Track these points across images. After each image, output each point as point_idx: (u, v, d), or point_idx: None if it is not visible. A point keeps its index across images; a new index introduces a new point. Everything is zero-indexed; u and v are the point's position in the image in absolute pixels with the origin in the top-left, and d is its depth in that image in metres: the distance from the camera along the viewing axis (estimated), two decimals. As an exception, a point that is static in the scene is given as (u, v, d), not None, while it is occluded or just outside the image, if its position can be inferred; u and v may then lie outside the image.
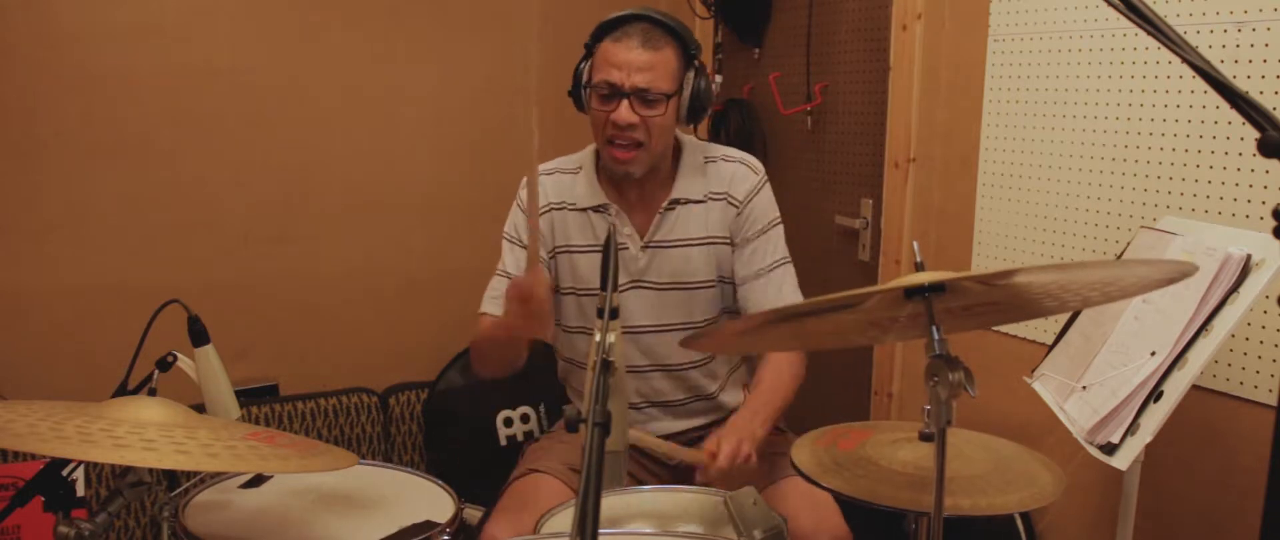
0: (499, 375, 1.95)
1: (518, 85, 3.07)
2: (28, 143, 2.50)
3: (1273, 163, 0.90)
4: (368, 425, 2.89)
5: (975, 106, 2.27)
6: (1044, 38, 2.10)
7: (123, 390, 1.66)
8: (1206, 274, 1.49)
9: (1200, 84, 1.76)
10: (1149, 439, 1.47)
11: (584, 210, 1.95)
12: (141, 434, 1.25)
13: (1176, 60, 1.01)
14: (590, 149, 2.02)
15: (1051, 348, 1.82)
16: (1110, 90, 1.96)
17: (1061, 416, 1.66)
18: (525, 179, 1.95)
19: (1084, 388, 1.64)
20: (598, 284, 1.59)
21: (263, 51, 2.73)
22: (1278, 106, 1.68)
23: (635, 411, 2.01)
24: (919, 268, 1.32)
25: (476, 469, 2.78)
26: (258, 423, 2.70)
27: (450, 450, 2.93)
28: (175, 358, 1.70)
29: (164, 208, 2.65)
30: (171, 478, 2.29)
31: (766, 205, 1.97)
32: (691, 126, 1.96)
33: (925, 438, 1.59)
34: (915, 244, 1.53)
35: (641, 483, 2.02)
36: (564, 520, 1.68)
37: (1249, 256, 1.46)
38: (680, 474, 2.06)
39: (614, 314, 1.20)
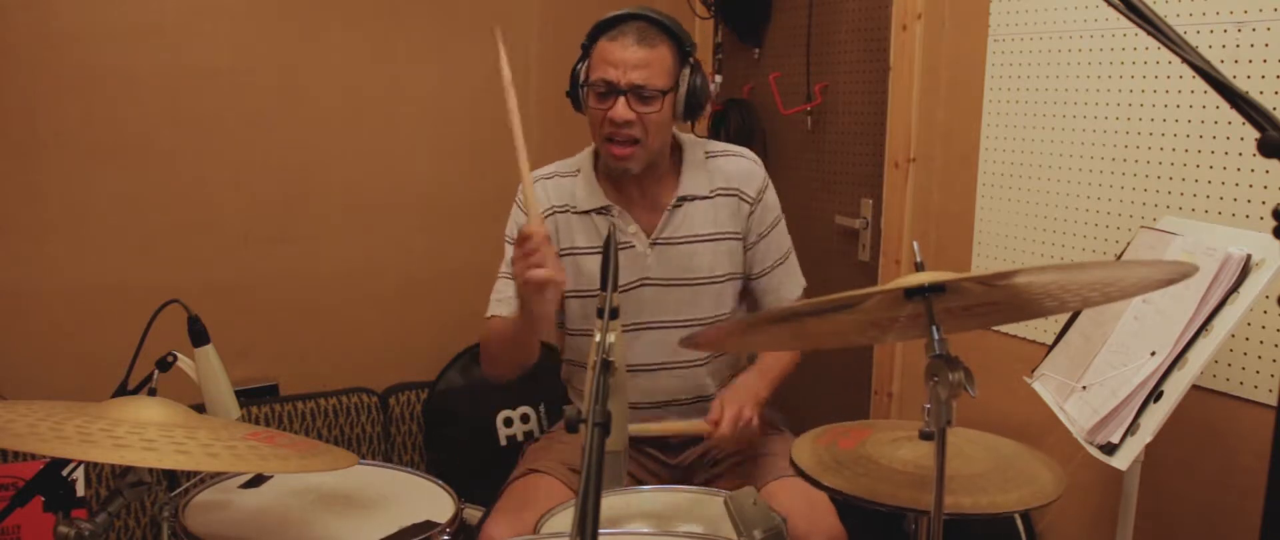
0: (510, 376, 1.96)
1: (518, 85, 3.08)
2: (28, 143, 2.50)
3: (1273, 163, 0.90)
4: (368, 425, 2.89)
5: (975, 106, 2.28)
6: (1044, 38, 2.10)
7: (123, 390, 1.66)
8: (1206, 274, 1.49)
9: (1200, 84, 1.76)
10: (1149, 439, 1.47)
11: (587, 212, 1.96)
12: (141, 434, 1.25)
13: (1176, 60, 1.01)
14: (587, 151, 2.03)
15: (1051, 348, 1.82)
16: (1110, 90, 1.96)
17: (1061, 416, 1.66)
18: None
19: (1084, 388, 1.64)
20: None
21: (263, 51, 2.73)
22: (1278, 106, 1.68)
23: (642, 411, 2.01)
24: (919, 268, 1.32)
25: (476, 469, 2.78)
26: (258, 423, 2.70)
27: (450, 450, 2.93)
28: (175, 358, 1.70)
29: (164, 208, 2.65)
30: (171, 478, 2.29)
31: (774, 199, 2.04)
32: (690, 124, 1.98)
33: (925, 436, 1.59)
34: (915, 244, 1.53)
35: (641, 483, 2.02)
36: (564, 520, 1.68)
37: (1249, 256, 1.46)
38: (680, 474, 2.07)
39: (614, 314, 1.20)
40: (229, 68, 2.68)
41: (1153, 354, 1.52)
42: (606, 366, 1.13)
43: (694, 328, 1.97)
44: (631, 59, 1.81)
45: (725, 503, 1.63)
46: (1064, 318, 1.81)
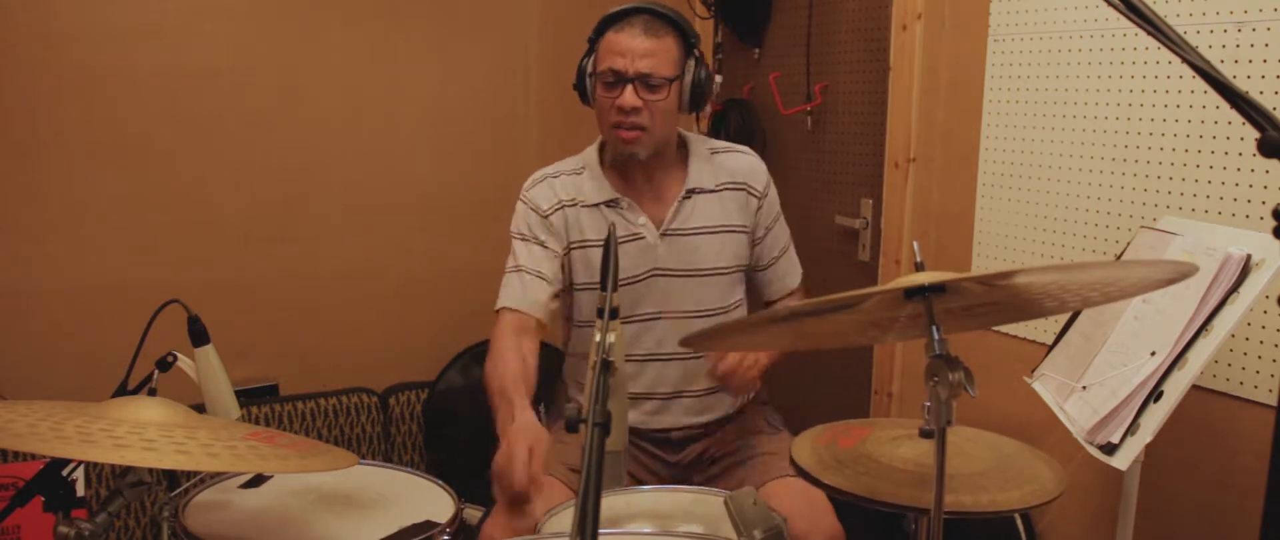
0: None
1: (518, 85, 3.08)
2: (28, 143, 2.50)
3: (1273, 163, 0.90)
4: (368, 425, 2.89)
5: (975, 106, 2.27)
6: (1044, 38, 2.10)
7: (123, 390, 1.66)
8: (1206, 274, 1.49)
9: (1200, 84, 1.76)
10: (1149, 439, 1.47)
11: (596, 205, 1.98)
12: (141, 434, 1.25)
13: (1176, 60, 1.01)
14: (591, 148, 2.04)
15: (1051, 348, 1.82)
16: (1110, 90, 1.96)
17: (1061, 416, 1.66)
18: (535, 189, 2.01)
19: (1084, 388, 1.64)
20: (622, 271, 1.75)
21: (263, 51, 2.73)
22: (1278, 106, 1.68)
23: (652, 402, 2.03)
24: (919, 268, 1.32)
25: (476, 469, 2.77)
26: (258, 423, 2.70)
27: (450, 450, 2.93)
28: (175, 358, 1.70)
29: (164, 208, 2.65)
30: (171, 478, 2.29)
31: (775, 193, 2.10)
32: (694, 119, 2.00)
33: (926, 435, 1.58)
34: (915, 244, 1.53)
35: (641, 482, 2.03)
36: (564, 520, 1.68)
37: (1249, 256, 1.46)
38: (680, 473, 2.07)
39: (614, 314, 1.20)
40: (229, 68, 2.68)
41: (1153, 354, 1.52)
42: (606, 366, 1.13)
43: (703, 318, 2.01)
44: (639, 48, 1.85)
45: (725, 503, 1.63)
46: (1064, 318, 1.81)
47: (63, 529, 1.32)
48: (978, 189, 2.29)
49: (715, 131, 3.13)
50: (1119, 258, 1.84)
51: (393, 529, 1.60)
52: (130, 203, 2.61)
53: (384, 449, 2.93)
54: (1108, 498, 1.94)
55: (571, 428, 1.16)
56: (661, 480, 2.05)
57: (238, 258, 2.76)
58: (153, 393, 1.42)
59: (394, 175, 2.94)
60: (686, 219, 1.99)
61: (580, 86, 1.96)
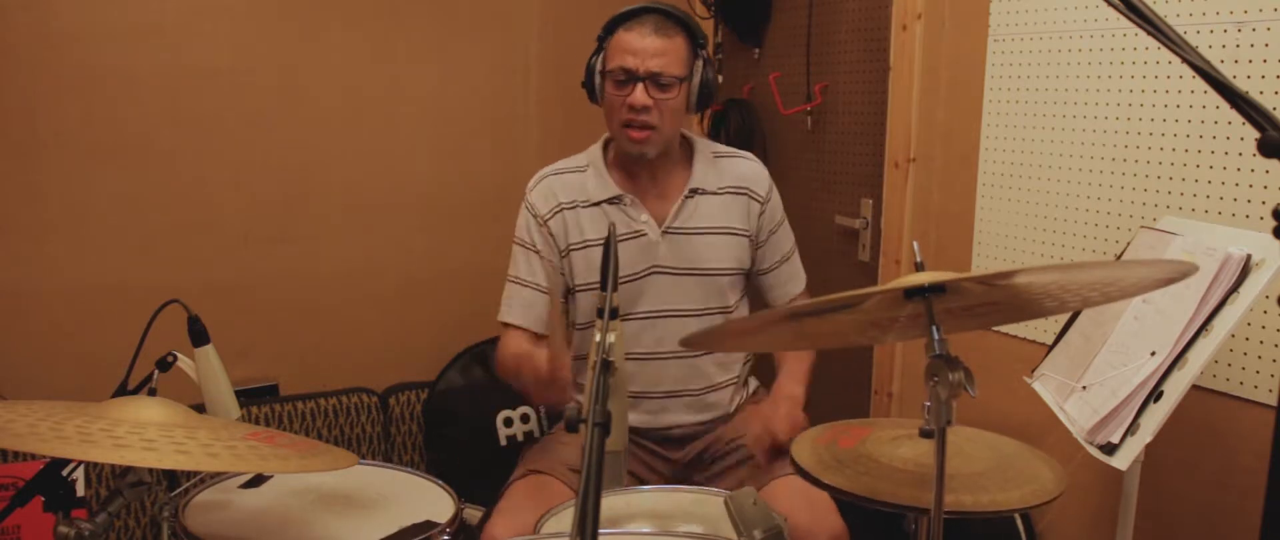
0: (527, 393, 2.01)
1: (518, 85, 3.08)
2: (28, 143, 2.50)
3: (1273, 163, 0.90)
4: (368, 425, 2.89)
5: (975, 106, 2.28)
6: (1044, 38, 2.10)
7: (123, 390, 1.66)
8: (1206, 274, 1.49)
9: (1200, 84, 1.76)
10: (1149, 439, 1.47)
11: (598, 203, 1.99)
12: (141, 434, 1.25)
13: (1176, 60, 1.01)
14: (596, 145, 2.05)
15: (1051, 348, 1.82)
16: (1110, 90, 1.96)
17: (1061, 416, 1.66)
18: (538, 188, 2.03)
19: (1084, 388, 1.64)
20: (623, 268, 1.78)
21: (263, 51, 2.72)
22: (1278, 106, 1.68)
23: (649, 401, 2.03)
24: (919, 268, 1.32)
25: (476, 469, 2.78)
26: (258, 423, 2.70)
27: (450, 450, 2.93)
28: (175, 358, 1.70)
29: (164, 208, 2.65)
30: (171, 478, 2.29)
31: (779, 199, 2.11)
32: (697, 117, 2.01)
33: (926, 435, 1.58)
34: (915, 244, 1.53)
35: (642, 481, 2.03)
36: (564, 520, 1.68)
37: (1249, 256, 1.46)
38: (681, 471, 2.08)
39: (614, 314, 1.20)
40: (229, 68, 2.68)
41: (1153, 354, 1.52)
42: (606, 366, 1.13)
43: (701, 318, 2.01)
44: (650, 47, 1.87)
45: (725, 503, 1.63)
46: (1064, 318, 1.81)
47: (63, 529, 1.32)
48: (978, 189, 2.29)
49: (715, 131, 3.13)
50: (1119, 258, 1.84)
51: (393, 529, 1.60)
52: (130, 203, 2.61)
53: (384, 449, 2.93)
54: (1108, 498, 1.94)
55: (571, 428, 1.17)
56: (662, 479, 2.06)
57: (238, 258, 2.76)
58: (153, 393, 1.42)
59: (394, 175, 2.94)
60: (689, 218, 2.00)
61: (588, 84, 1.97)
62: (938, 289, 1.22)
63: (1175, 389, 1.46)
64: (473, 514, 2.17)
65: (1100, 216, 2.01)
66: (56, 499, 1.36)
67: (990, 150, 2.26)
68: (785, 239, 2.13)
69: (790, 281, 2.14)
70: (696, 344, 1.54)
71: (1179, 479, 1.86)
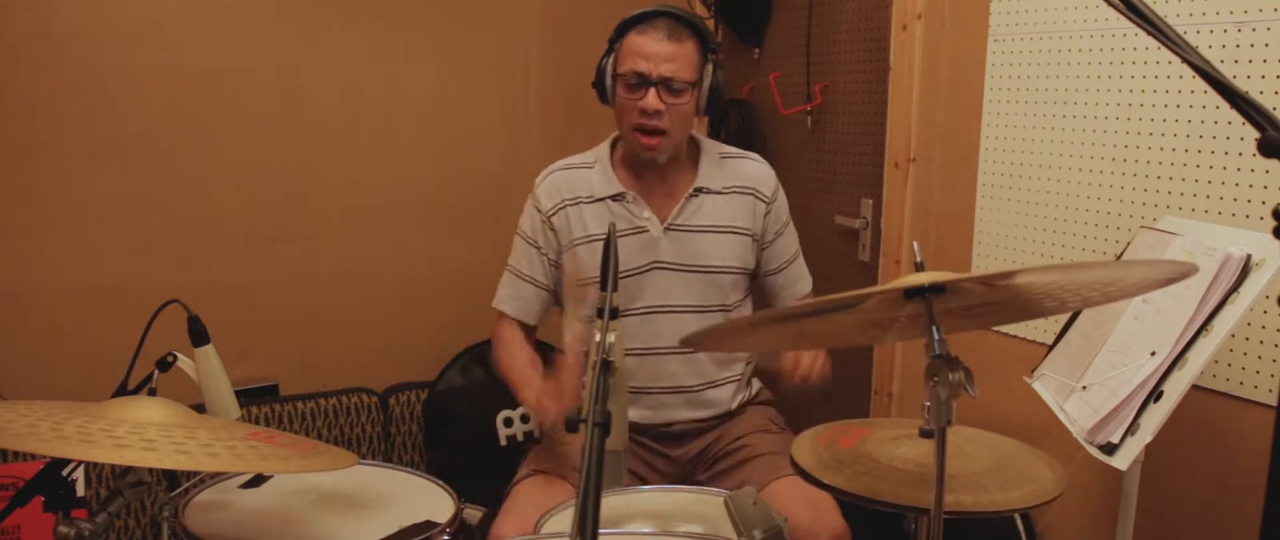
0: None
1: (518, 85, 3.08)
2: (28, 143, 2.50)
3: (1273, 163, 0.90)
4: (368, 425, 2.89)
5: (975, 106, 2.27)
6: (1044, 38, 2.10)
7: (123, 390, 1.66)
8: (1206, 274, 1.49)
9: (1200, 84, 1.76)
10: (1149, 439, 1.47)
11: (602, 199, 2.01)
12: (141, 434, 1.25)
13: (1176, 60, 1.01)
14: (605, 143, 2.08)
15: (1051, 348, 1.82)
16: (1110, 90, 1.96)
17: (1061, 416, 1.66)
18: (545, 182, 2.06)
19: (1084, 388, 1.64)
20: (624, 263, 1.83)
21: (263, 51, 2.72)
22: (1278, 106, 1.68)
23: (649, 396, 2.04)
24: (919, 268, 1.32)
25: (476, 469, 2.78)
26: (258, 423, 2.70)
27: (450, 450, 2.93)
28: (175, 358, 1.70)
29: (164, 208, 2.65)
30: (171, 478, 2.29)
31: (785, 202, 2.12)
32: (706, 121, 2.03)
33: (926, 435, 1.59)
34: (915, 244, 1.53)
35: (642, 479, 2.04)
36: (564, 520, 1.68)
37: (1249, 256, 1.46)
38: (681, 470, 2.08)
39: (614, 314, 1.20)
40: (229, 68, 2.68)
41: (1153, 354, 1.52)
42: (606, 366, 1.13)
43: (701, 314, 2.02)
44: (662, 52, 1.88)
45: (725, 503, 1.63)
46: (1064, 318, 1.81)
47: (63, 529, 1.32)
48: (978, 189, 2.29)
49: (715, 131, 3.13)
50: (1119, 258, 1.84)
51: (393, 529, 1.61)
52: (130, 203, 2.61)
53: (384, 449, 2.93)
54: (1108, 498, 1.94)
55: (571, 427, 1.17)
56: (663, 477, 2.06)
57: (238, 258, 2.76)
58: (153, 393, 1.42)
59: (394, 175, 2.94)
60: (692, 216, 2.01)
61: (599, 85, 1.98)
62: (938, 289, 1.22)
63: (1175, 389, 1.46)
64: (473, 514, 2.17)
65: (1100, 216, 2.01)
66: (56, 499, 1.36)
67: (990, 150, 2.26)
68: (791, 241, 2.13)
69: (798, 283, 2.15)
70: (695, 343, 1.54)
71: (1179, 479, 1.86)
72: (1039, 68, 2.11)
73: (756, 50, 3.09)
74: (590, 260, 2.00)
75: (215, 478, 1.77)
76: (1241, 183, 1.74)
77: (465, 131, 3.02)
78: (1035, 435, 1.79)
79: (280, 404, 2.77)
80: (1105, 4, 1.01)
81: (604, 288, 1.22)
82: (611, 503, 1.72)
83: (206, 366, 1.74)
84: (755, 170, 2.09)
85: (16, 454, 2.36)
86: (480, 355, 2.99)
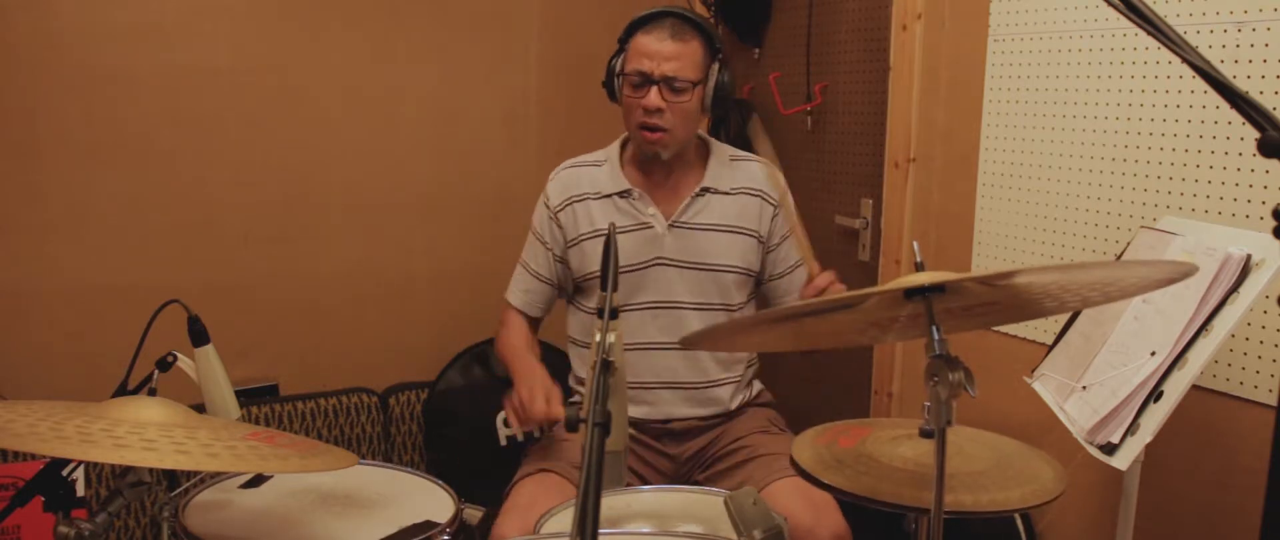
0: None
1: (518, 85, 3.08)
2: (28, 143, 2.50)
3: (1273, 163, 0.90)
4: (368, 425, 2.89)
5: (975, 106, 2.27)
6: (1044, 38, 2.10)
7: (123, 390, 1.66)
8: (1206, 274, 1.49)
9: (1200, 84, 1.76)
10: (1149, 439, 1.47)
11: (608, 196, 2.05)
12: (141, 434, 1.25)
13: (1176, 60, 1.01)
14: (616, 142, 2.11)
15: (1051, 348, 1.82)
16: (1110, 90, 1.96)
17: (1061, 416, 1.66)
18: (555, 178, 2.13)
19: (1084, 388, 1.64)
20: (628, 258, 1.89)
21: (263, 51, 2.72)
22: (1278, 106, 1.68)
23: (647, 392, 2.06)
24: (919, 268, 1.32)
25: (476, 469, 2.78)
26: (258, 423, 2.70)
27: (450, 450, 2.93)
28: (175, 358, 1.70)
29: (164, 208, 2.65)
30: (171, 478, 2.29)
31: (791, 206, 2.12)
32: (708, 119, 2.10)
33: (926, 435, 1.59)
34: (915, 244, 1.53)
35: (642, 477, 2.05)
36: (564, 520, 1.68)
37: (1249, 256, 1.46)
38: (682, 468, 2.08)
39: (614, 314, 1.20)
40: (229, 68, 2.68)
41: (1153, 354, 1.52)
42: (606, 366, 1.13)
43: (702, 312, 2.05)
44: (665, 51, 1.93)
45: (725, 503, 1.63)
46: (1064, 318, 1.81)
47: (63, 529, 1.32)
48: (978, 189, 2.29)
49: (715, 132, 3.13)
50: (1119, 258, 1.84)
51: (393, 529, 1.61)
52: (130, 203, 2.61)
53: (384, 449, 2.93)
54: (1108, 498, 1.94)
55: (571, 427, 1.17)
56: (663, 475, 2.07)
57: (238, 258, 2.76)
58: (153, 393, 1.42)
59: (394, 175, 2.94)
60: (697, 215, 2.04)
61: (609, 84, 2.02)
62: (938, 289, 1.22)
63: (1175, 389, 1.46)
64: (473, 514, 2.17)
65: (1100, 216, 2.01)
66: (56, 499, 1.36)
67: (990, 150, 2.25)
68: (793, 249, 2.13)
69: (796, 293, 2.14)
70: (695, 343, 1.54)
71: (1179, 479, 1.86)
72: (1039, 68, 2.11)
73: (756, 50, 3.09)
74: (594, 254, 2.04)
75: (215, 478, 1.77)
76: (1241, 183, 1.74)
77: (465, 131, 3.02)
78: (1035, 435, 1.79)
79: (280, 404, 2.77)
80: (1105, 4, 1.01)
81: (604, 287, 1.22)
82: (611, 502, 1.72)
83: (206, 366, 1.74)
84: (761, 173, 2.11)
85: (16, 454, 2.36)
86: (480, 355, 2.99)
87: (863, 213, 2.70)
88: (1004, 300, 1.31)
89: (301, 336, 2.87)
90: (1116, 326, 1.64)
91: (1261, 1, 1.69)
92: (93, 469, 2.45)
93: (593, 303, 2.08)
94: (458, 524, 1.66)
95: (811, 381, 2.89)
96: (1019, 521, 2.12)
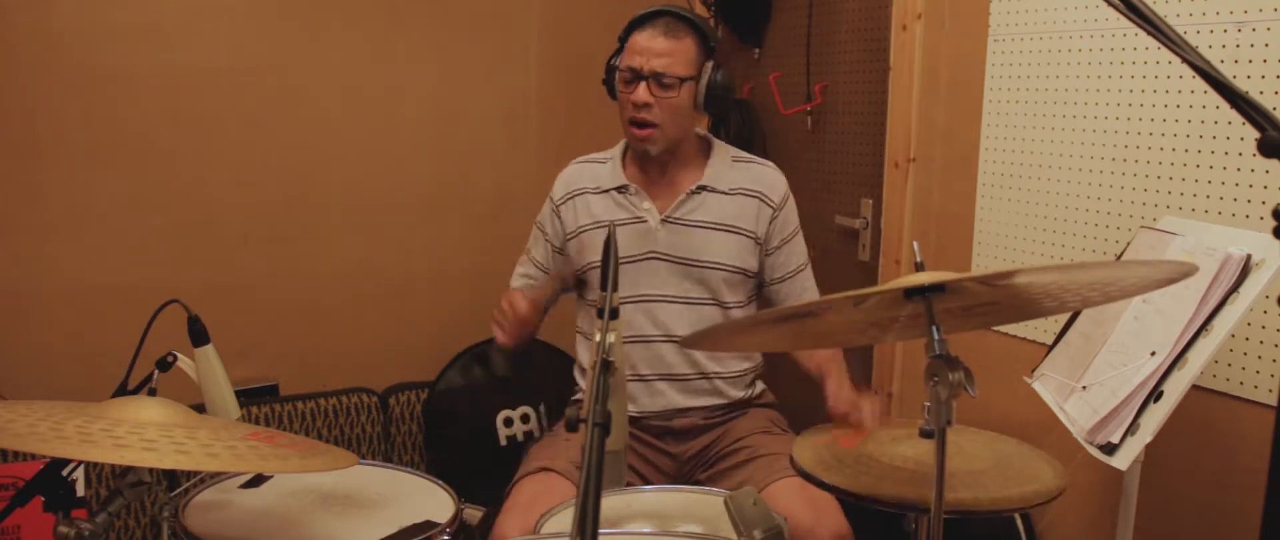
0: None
1: (518, 85, 3.08)
2: (28, 143, 2.50)
3: (1273, 163, 0.90)
4: (368, 425, 2.89)
5: (975, 106, 2.27)
6: (1044, 38, 2.10)
7: (123, 390, 1.66)
8: (1206, 274, 1.49)
9: (1200, 84, 1.76)
10: (1149, 439, 1.47)
11: (607, 191, 2.09)
12: (141, 434, 1.25)
13: (1176, 60, 1.01)
14: (622, 142, 2.15)
15: (1051, 348, 1.82)
16: (1110, 90, 1.96)
17: (1061, 416, 1.66)
18: (562, 174, 2.18)
19: (1084, 388, 1.64)
20: (623, 251, 1.89)
21: (263, 51, 2.72)
22: (1278, 106, 1.68)
23: (643, 384, 2.08)
24: (919, 268, 1.32)
25: (476, 469, 2.78)
26: (258, 423, 2.70)
27: (450, 450, 2.93)
28: (175, 358, 1.70)
29: (164, 208, 2.65)
30: (171, 478, 2.29)
31: (794, 210, 2.15)
32: (709, 119, 2.12)
33: (926, 435, 1.59)
34: (915, 244, 1.53)
35: (643, 476, 2.05)
36: (564, 520, 1.68)
37: (1249, 256, 1.46)
38: (682, 467, 2.08)
39: (614, 314, 1.20)
40: (229, 68, 2.68)
41: (1153, 354, 1.52)
42: (606, 366, 1.13)
43: (693, 307, 2.06)
44: (656, 48, 1.97)
45: (725, 503, 1.63)
46: (1064, 318, 1.81)
47: (63, 529, 1.32)
48: (978, 189, 2.29)
49: (714, 131, 3.12)
50: (1119, 258, 1.84)
51: (393, 529, 1.60)
52: (130, 203, 2.61)
53: (384, 449, 2.93)
54: (1108, 498, 1.94)
55: (571, 427, 1.17)
56: (665, 474, 2.07)
57: (238, 258, 2.76)
58: (153, 393, 1.42)
59: (394, 175, 2.94)
60: (692, 212, 2.06)
61: (608, 82, 2.06)
62: (938, 289, 1.22)
63: (1175, 389, 1.46)
64: (473, 514, 2.17)
65: (1100, 216, 2.01)
66: (56, 499, 1.36)
67: (990, 150, 2.26)
68: (798, 251, 2.15)
69: (804, 295, 2.16)
70: (696, 343, 1.54)
71: (1179, 479, 1.86)
72: (1039, 68, 2.11)
73: (756, 50, 3.09)
74: (591, 246, 2.08)
75: (215, 478, 1.77)
76: (1241, 183, 1.74)
77: (465, 131, 3.02)
78: (1035, 435, 1.79)
79: (280, 404, 2.77)
80: (1105, 4, 1.01)
81: (604, 287, 1.22)
82: (611, 502, 1.72)
83: (206, 366, 1.74)
84: (766, 175, 2.12)
85: (16, 454, 2.36)
86: (480, 355, 2.99)
87: (863, 213, 2.70)
88: (1004, 300, 1.31)
89: (301, 336, 2.87)
90: (1116, 326, 1.64)
91: (1261, 1, 1.69)
92: (93, 469, 2.45)
93: (593, 295, 2.10)
94: (458, 524, 1.66)
95: (812, 382, 2.88)
96: (1019, 521, 2.12)
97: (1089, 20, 2.00)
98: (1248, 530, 1.75)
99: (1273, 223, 0.89)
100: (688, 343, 1.38)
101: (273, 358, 2.82)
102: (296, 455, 1.34)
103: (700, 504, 1.76)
